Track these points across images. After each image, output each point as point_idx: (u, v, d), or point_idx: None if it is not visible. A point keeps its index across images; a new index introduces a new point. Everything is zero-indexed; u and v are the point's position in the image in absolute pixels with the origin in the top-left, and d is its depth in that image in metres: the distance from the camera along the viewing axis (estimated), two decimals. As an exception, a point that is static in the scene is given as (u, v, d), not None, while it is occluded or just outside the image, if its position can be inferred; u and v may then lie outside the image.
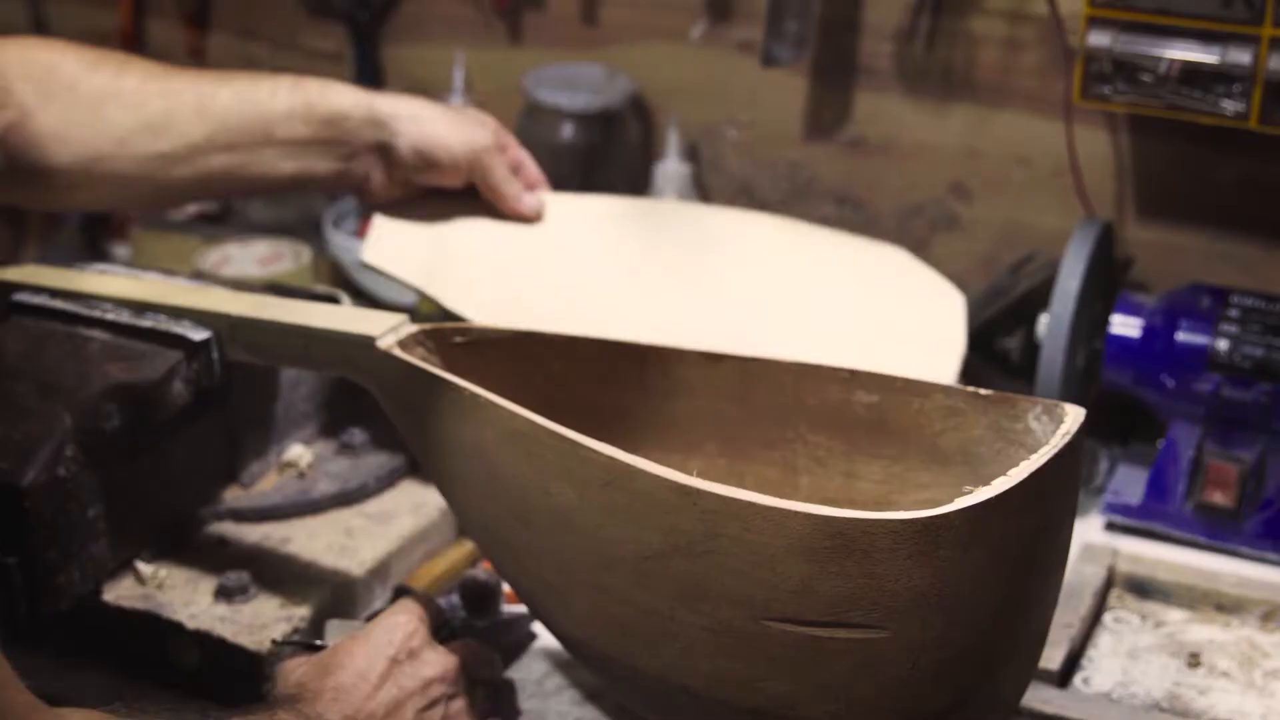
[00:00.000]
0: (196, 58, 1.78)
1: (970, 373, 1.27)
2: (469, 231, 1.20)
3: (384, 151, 1.17)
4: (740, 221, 1.31)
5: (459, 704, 0.93)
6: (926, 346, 0.93)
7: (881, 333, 1.12)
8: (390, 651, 0.91)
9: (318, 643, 0.97)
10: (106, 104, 1.10)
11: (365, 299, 1.51)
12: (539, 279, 1.19)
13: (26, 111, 1.08)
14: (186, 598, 1.04)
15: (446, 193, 1.21)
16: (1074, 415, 0.83)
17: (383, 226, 1.17)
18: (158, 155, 1.12)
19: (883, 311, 1.18)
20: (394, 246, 1.15)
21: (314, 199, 1.62)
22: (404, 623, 0.93)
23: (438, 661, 0.92)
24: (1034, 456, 0.78)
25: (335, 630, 1.00)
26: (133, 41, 1.80)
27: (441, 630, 0.97)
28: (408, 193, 1.21)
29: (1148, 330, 1.21)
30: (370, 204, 1.21)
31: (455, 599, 1.04)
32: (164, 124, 1.11)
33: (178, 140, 1.12)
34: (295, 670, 0.90)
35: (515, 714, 0.99)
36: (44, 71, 1.09)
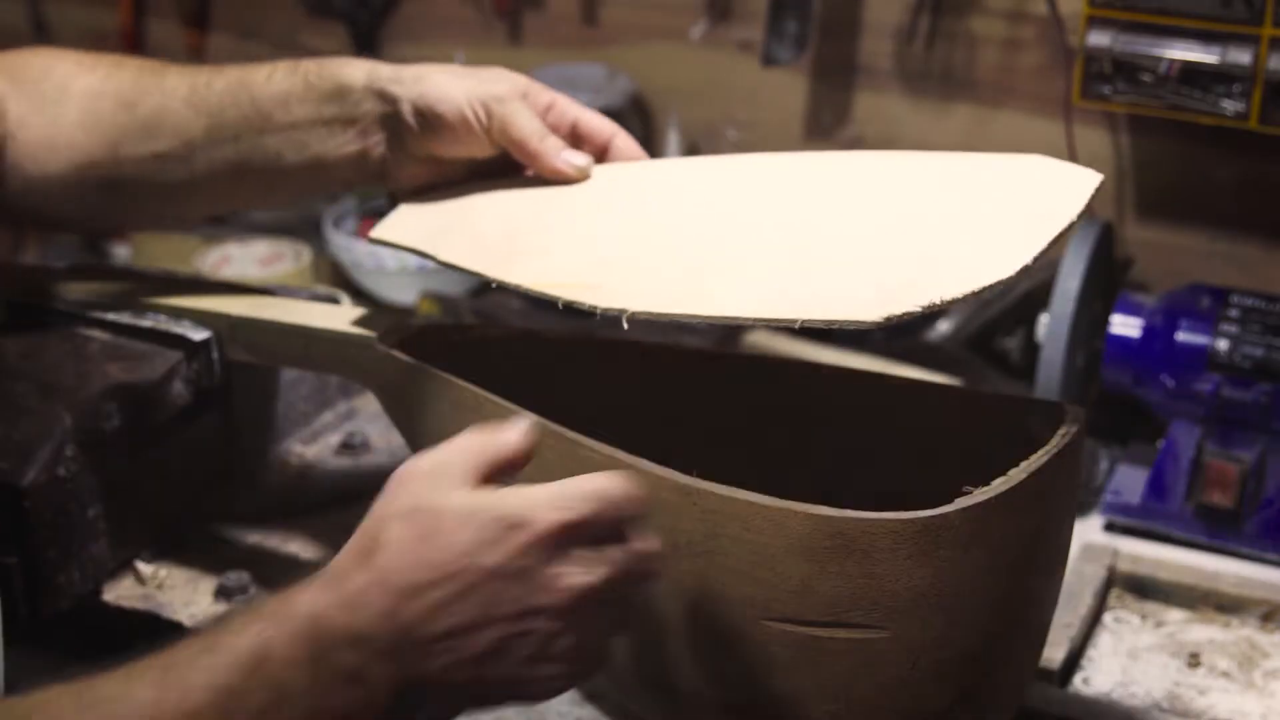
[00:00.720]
0: (196, 58, 1.78)
1: (971, 373, 1.27)
2: (494, 202, 1.00)
3: (393, 122, 1.00)
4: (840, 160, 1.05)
5: (568, 642, 0.69)
6: (1021, 215, 0.80)
7: (971, 201, 0.88)
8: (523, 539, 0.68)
9: None
10: (98, 104, 1.04)
11: (365, 299, 1.51)
12: (554, 227, 0.96)
13: (20, 123, 1.04)
14: (186, 598, 1.04)
15: (490, 179, 1.03)
16: (1074, 415, 0.83)
17: (402, 210, 1.02)
18: (152, 156, 1.04)
19: (984, 185, 0.92)
20: (405, 223, 1.01)
21: (314, 198, 1.62)
22: (587, 497, 0.69)
23: (599, 565, 0.69)
24: (1034, 456, 0.78)
25: None
26: (133, 41, 1.80)
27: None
28: (437, 173, 1.03)
29: (1148, 330, 1.21)
30: (395, 190, 1.05)
31: None
32: (157, 122, 1.04)
33: (172, 138, 1.03)
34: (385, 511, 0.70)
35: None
36: (38, 75, 1.05)
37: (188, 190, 1.05)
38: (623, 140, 1.00)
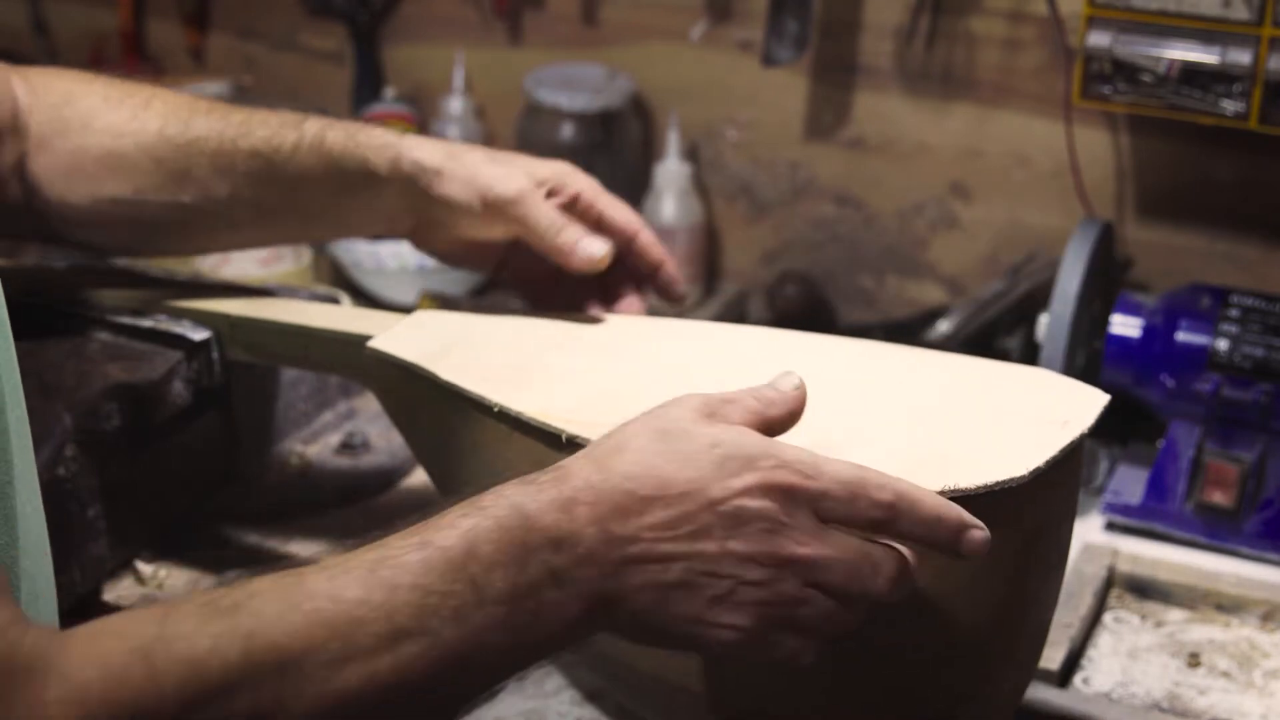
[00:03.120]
0: (196, 58, 1.78)
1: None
2: (503, 328, 1.00)
3: (418, 207, 1.00)
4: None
5: (757, 598, 0.67)
6: (1035, 420, 0.82)
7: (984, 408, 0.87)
8: (753, 479, 0.67)
9: None
10: (121, 146, 1.02)
11: (365, 299, 1.51)
12: (563, 362, 0.95)
13: (41, 143, 1.03)
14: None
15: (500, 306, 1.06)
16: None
17: (407, 322, 1.01)
18: (178, 205, 1.03)
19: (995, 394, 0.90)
20: (407, 338, 0.98)
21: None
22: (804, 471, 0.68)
23: (821, 544, 0.68)
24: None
25: None
26: (133, 41, 1.80)
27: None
28: (471, 247, 1.04)
29: (1148, 330, 1.21)
30: (430, 252, 1.06)
31: None
32: (181, 178, 1.02)
33: (197, 193, 1.03)
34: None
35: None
36: (61, 100, 1.03)
37: (215, 232, 1.06)
38: (646, 238, 1.02)
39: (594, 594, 0.67)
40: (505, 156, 1.00)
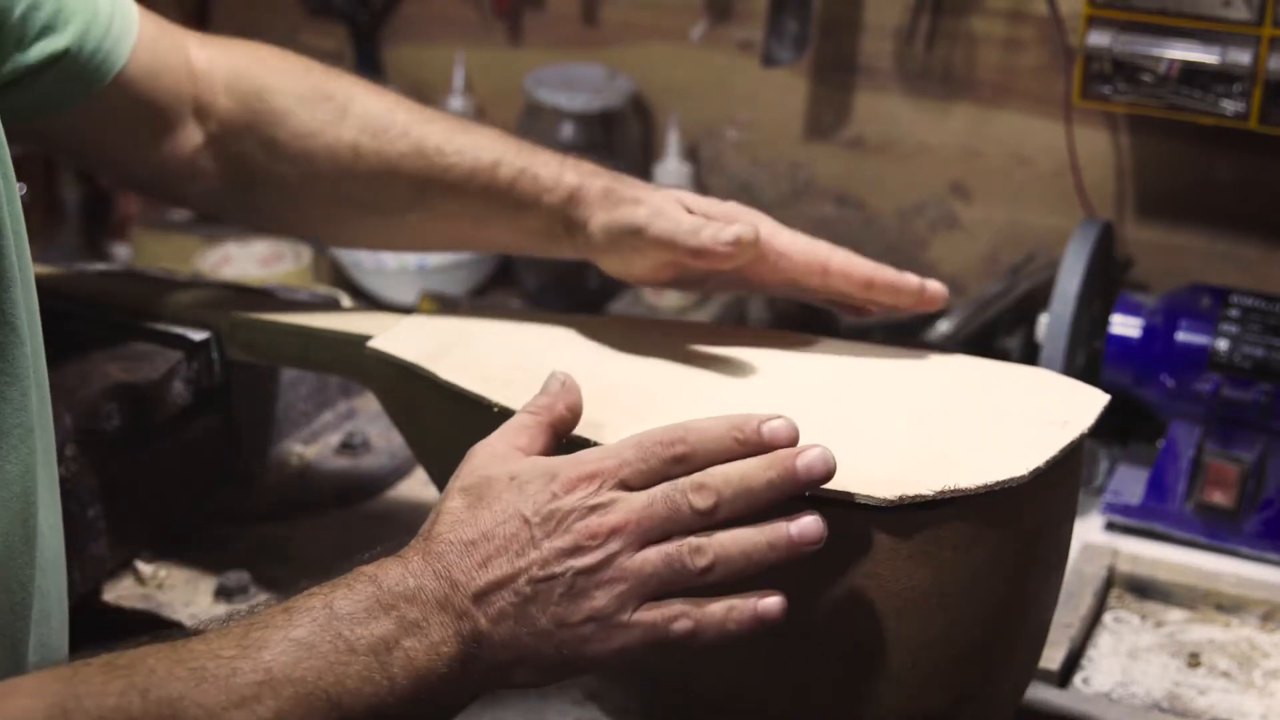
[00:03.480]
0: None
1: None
2: (500, 331, 1.00)
3: (576, 242, 0.98)
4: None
5: (673, 568, 0.70)
6: (1035, 420, 0.82)
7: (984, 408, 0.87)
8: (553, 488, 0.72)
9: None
10: (312, 152, 1.00)
11: (365, 299, 1.51)
12: (562, 363, 0.90)
13: (233, 130, 1.01)
14: (186, 598, 1.04)
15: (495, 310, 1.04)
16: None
17: (407, 323, 1.01)
18: (373, 213, 1.03)
19: (997, 395, 0.89)
20: (407, 338, 0.98)
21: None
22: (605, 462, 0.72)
23: (628, 506, 0.71)
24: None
25: None
26: (133, 41, 1.80)
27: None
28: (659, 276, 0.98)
29: (1148, 330, 1.21)
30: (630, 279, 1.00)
31: None
32: (376, 196, 1.01)
33: (389, 211, 1.02)
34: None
35: None
36: (252, 93, 1.01)
37: (389, 232, 1.06)
38: (840, 262, 0.94)
39: (457, 636, 0.70)
40: (685, 196, 0.96)
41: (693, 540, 0.71)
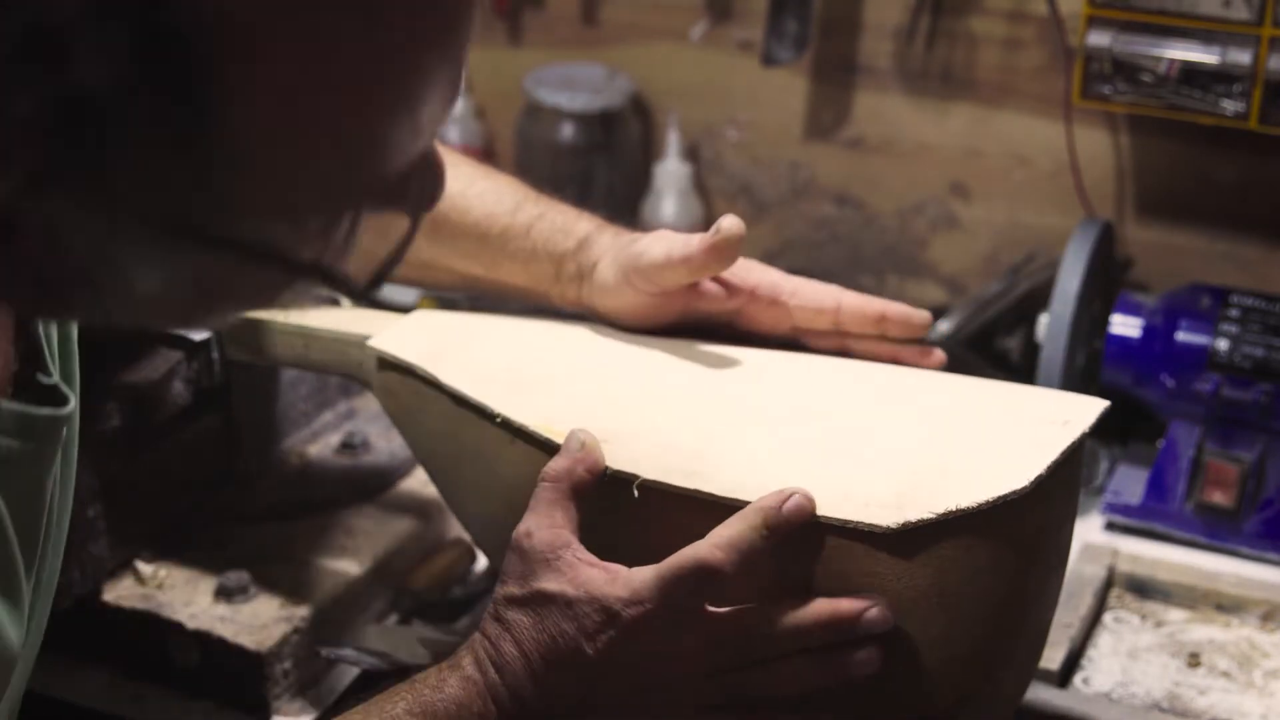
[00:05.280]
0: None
1: (970, 373, 1.26)
2: (502, 325, 1.00)
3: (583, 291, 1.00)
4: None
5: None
6: (1034, 420, 0.81)
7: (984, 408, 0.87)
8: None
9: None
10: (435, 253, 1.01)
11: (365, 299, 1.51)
12: (564, 371, 0.93)
13: None
14: (186, 598, 1.04)
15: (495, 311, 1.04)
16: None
17: (406, 322, 1.00)
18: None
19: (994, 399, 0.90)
20: (407, 338, 0.97)
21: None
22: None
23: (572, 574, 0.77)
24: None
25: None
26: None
27: None
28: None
29: (1148, 330, 1.21)
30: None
31: None
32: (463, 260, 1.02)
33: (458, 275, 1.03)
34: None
35: None
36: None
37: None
38: (851, 304, 0.95)
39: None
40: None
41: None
